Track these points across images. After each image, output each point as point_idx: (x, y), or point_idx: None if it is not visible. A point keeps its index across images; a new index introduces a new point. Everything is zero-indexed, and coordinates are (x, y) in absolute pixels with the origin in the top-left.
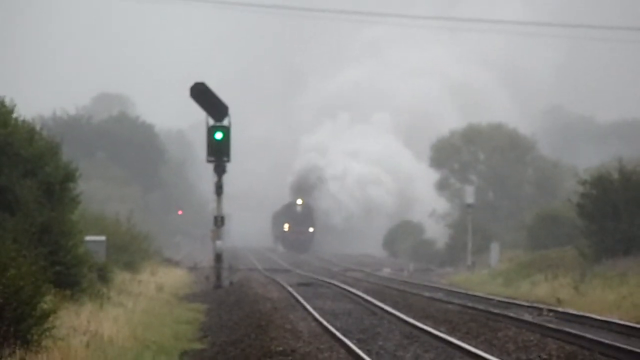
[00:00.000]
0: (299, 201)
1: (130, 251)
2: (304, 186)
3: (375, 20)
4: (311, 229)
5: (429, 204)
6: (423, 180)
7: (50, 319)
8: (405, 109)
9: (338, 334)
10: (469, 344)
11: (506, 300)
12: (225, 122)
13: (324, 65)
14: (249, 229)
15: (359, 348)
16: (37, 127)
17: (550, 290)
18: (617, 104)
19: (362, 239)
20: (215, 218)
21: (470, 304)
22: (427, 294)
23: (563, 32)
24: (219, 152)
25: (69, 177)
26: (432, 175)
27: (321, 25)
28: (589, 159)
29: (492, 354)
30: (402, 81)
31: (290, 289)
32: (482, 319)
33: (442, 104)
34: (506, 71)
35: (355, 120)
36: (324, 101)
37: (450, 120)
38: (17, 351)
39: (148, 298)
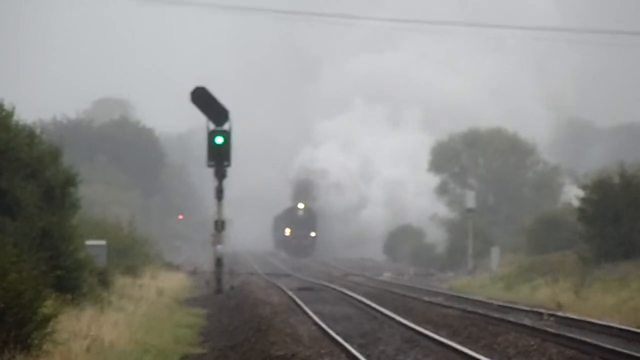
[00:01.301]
0: (301, 205)
1: (130, 255)
2: (308, 189)
3: (393, 25)
4: (313, 234)
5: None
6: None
7: (51, 323)
8: (428, 105)
9: (338, 338)
10: (470, 349)
11: (506, 304)
12: (225, 127)
13: (335, 59)
14: (250, 234)
15: (360, 352)
16: (38, 131)
17: (550, 294)
18: (620, 107)
19: (363, 243)
20: (216, 222)
21: (470, 309)
22: (427, 298)
23: (579, 37)
24: (219, 157)
25: (70, 181)
26: (431, 180)
27: (329, 26)
28: (601, 164)
29: (493, 359)
30: (420, 75)
31: (290, 293)
32: (483, 323)
33: (472, 99)
34: (526, 75)
35: (376, 113)
36: (337, 93)
37: (485, 118)
38: (18, 356)
39: (148, 302)
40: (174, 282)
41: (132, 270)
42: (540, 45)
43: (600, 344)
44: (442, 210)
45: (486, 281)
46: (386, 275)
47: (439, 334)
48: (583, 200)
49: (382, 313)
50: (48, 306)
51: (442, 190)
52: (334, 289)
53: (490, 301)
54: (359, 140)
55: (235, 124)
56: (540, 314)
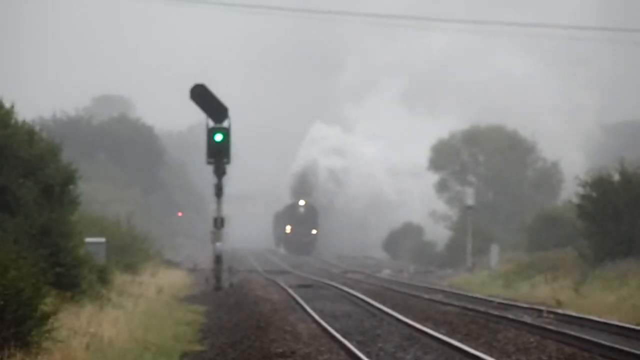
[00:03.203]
0: (302, 202)
1: (130, 253)
2: (309, 183)
3: (423, 25)
4: (314, 231)
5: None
6: None
7: (51, 320)
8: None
9: (338, 335)
10: (469, 346)
11: (506, 302)
12: (225, 124)
13: (348, 53)
14: (251, 231)
15: (359, 350)
16: (37, 129)
17: (550, 292)
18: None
19: (363, 240)
20: (215, 219)
21: (470, 306)
22: (427, 295)
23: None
24: (218, 154)
25: (69, 178)
26: (431, 178)
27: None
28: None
29: (492, 356)
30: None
31: (290, 290)
32: (482, 320)
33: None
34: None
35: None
36: (356, 85)
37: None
38: (17, 353)
39: (148, 300)
40: (173, 280)
41: (131, 268)
42: (559, 44)
43: (600, 341)
44: (442, 207)
45: (486, 279)
46: (386, 273)
47: (438, 331)
48: (583, 197)
49: (381, 310)
50: (47, 303)
51: (441, 187)
52: (334, 287)
53: (489, 298)
54: (389, 130)
55: (239, 122)
56: (540, 311)
